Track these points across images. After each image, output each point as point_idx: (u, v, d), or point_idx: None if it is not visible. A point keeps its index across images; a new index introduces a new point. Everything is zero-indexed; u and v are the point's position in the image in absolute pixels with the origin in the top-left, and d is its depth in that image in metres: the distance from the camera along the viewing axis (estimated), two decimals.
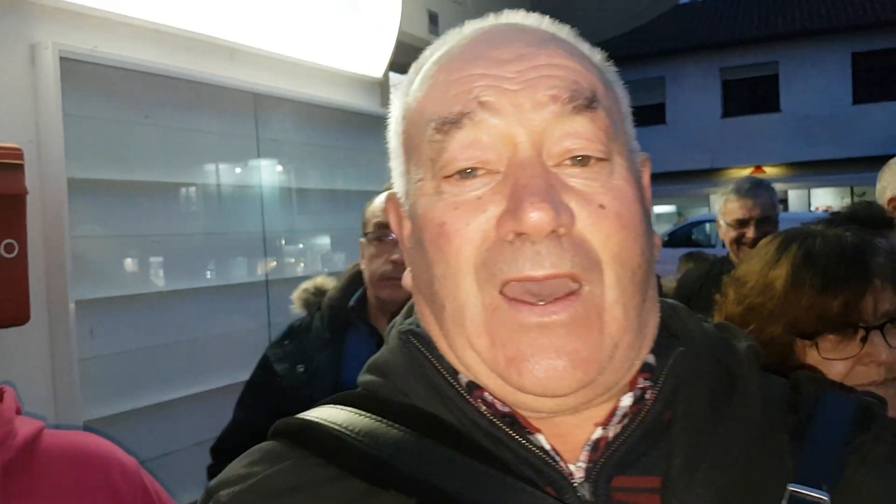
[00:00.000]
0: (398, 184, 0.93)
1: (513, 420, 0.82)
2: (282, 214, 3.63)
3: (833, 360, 1.50)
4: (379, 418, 0.84)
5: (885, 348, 1.46)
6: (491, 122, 0.79)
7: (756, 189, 3.85)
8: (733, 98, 25.55)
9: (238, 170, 3.44)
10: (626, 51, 23.63)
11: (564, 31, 0.92)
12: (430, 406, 0.86)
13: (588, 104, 0.80)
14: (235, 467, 0.87)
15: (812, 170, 24.14)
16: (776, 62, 24.78)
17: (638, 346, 0.83)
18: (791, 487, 0.80)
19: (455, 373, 0.86)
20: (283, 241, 3.70)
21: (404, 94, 0.92)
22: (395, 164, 0.93)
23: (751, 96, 25.28)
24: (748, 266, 1.65)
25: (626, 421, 0.83)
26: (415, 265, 0.89)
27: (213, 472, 2.41)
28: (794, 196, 25.92)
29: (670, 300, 0.97)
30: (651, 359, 0.87)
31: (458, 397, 0.84)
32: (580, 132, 0.80)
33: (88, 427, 2.61)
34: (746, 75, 25.24)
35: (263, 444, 0.89)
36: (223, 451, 2.44)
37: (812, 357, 1.52)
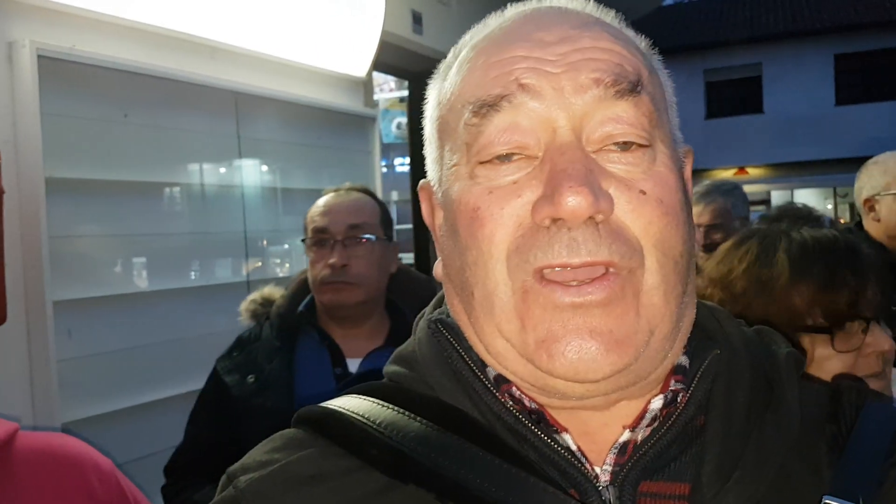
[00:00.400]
0: (431, 171, 0.91)
1: (539, 417, 0.80)
2: (264, 214, 3.61)
3: (843, 352, 1.50)
4: (402, 410, 0.82)
5: (885, 338, 1.49)
6: (531, 106, 0.77)
7: (707, 195, 3.85)
8: (717, 99, 25.67)
9: (219, 169, 3.42)
10: None
11: (609, 16, 0.89)
12: (455, 399, 0.84)
13: (632, 88, 0.78)
14: (256, 453, 0.86)
15: (795, 171, 24.29)
16: (759, 64, 24.92)
17: (673, 339, 0.80)
18: (826, 500, 0.77)
19: (483, 366, 0.84)
20: (266, 242, 3.68)
21: (441, 79, 0.90)
22: (429, 150, 0.91)
23: (734, 97, 25.40)
24: (724, 266, 1.64)
25: (655, 424, 0.80)
26: (447, 253, 0.86)
27: (166, 493, 2.35)
28: (777, 197, 26.07)
29: (711, 303, 0.95)
30: (684, 360, 0.84)
31: (485, 391, 0.82)
32: (622, 117, 0.77)
33: (66, 429, 2.58)
34: (730, 77, 25.36)
35: (286, 431, 0.88)
36: (177, 469, 2.36)
37: (820, 352, 1.52)
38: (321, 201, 2.46)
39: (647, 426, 0.80)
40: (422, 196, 0.95)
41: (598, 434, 0.81)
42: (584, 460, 0.78)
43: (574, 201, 0.71)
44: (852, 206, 27.74)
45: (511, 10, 0.89)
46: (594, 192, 0.72)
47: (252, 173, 3.56)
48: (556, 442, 0.79)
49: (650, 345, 0.76)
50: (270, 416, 1.85)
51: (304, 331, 2.43)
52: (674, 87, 0.91)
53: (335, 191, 2.49)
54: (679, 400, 0.81)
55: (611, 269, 0.74)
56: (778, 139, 24.19)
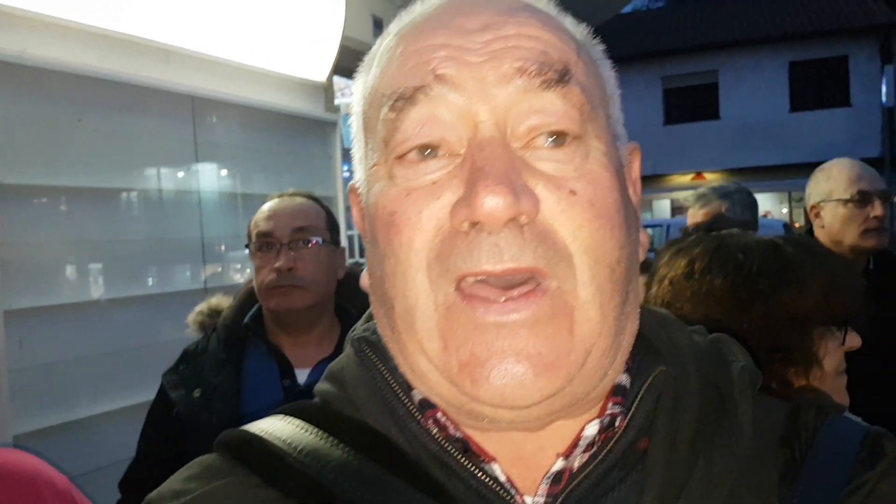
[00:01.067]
0: (357, 172, 0.84)
1: (466, 446, 0.74)
2: (222, 220, 3.57)
3: (842, 350, 1.53)
4: (325, 435, 0.77)
5: (857, 337, 1.52)
6: (449, 98, 0.71)
7: (703, 197, 3.89)
8: (675, 106, 26.04)
9: (176, 174, 3.37)
10: None
11: (542, 1, 0.82)
12: (381, 423, 0.79)
13: (560, 78, 0.72)
14: (174, 481, 0.81)
15: (751, 176, 24.68)
16: (716, 71, 25.33)
17: (613, 356, 0.74)
18: None
19: (409, 388, 0.78)
20: (224, 248, 3.63)
21: (366, 71, 0.83)
22: (356, 149, 0.84)
23: (691, 104, 25.78)
24: (678, 270, 1.62)
25: (593, 450, 0.75)
26: (369, 262, 0.80)
27: None
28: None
29: (662, 310, 0.89)
30: (625, 379, 0.79)
31: (409, 417, 0.77)
32: (549, 109, 0.71)
33: (18, 441, 2.52)
34: (687, 83, 25.74)
35: (204, 458, 0.83)
36: (129, 486, 2.32)
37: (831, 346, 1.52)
38: (265, 207, 2.41)
39: (582, 452, 0.74)
40: (351, 200, 0.88)
41: (532, 459, 0.75)
42: (513, 492, 0.73)
43: (491, 202, 0.65)
44: (807, 211, 28.37)
45: None
46: (514, 191, 0.66)
47: (210, 178, 3.51)
48: (484, 472, 0.73)
49: (586, 365, 0.70)
50: (218, 432, 1.81)
51: (252, 342, 2.37)
52: (617, 80, 0.84)
53: (279, 196, 2.46)
54: (617, 424, 0.75)
55: (540, 283, 0.68)
56: (734, 145, 24.60)
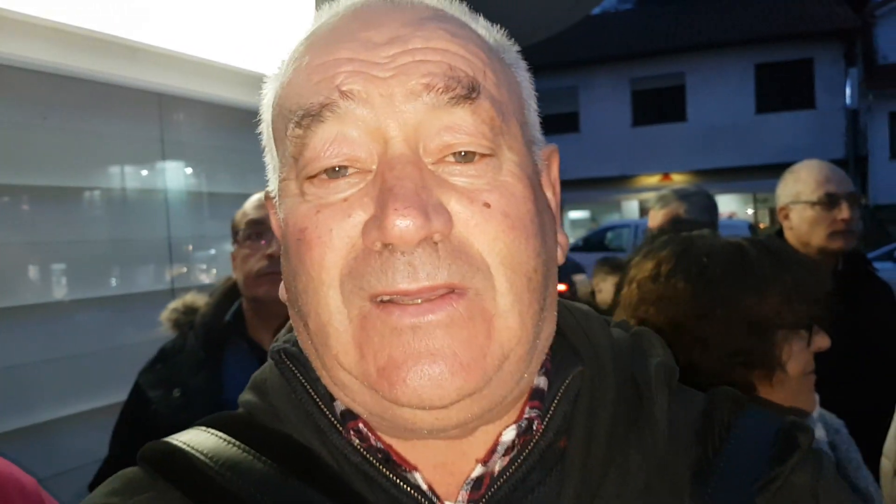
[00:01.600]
0: (271, 181, 0.84)
1: (387, 456, 0.75)
2: (189, 219, 3.53)
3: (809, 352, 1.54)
4: (247, 448, 0.77)
5: (825, 338, 1.53)
6: (357, 114, 0.70)
7: (661, 199, 3.99)
8: (642, 108, 26.26)
9: (142, 173, 3.32)
10: (540, 59, 23.96)
11: (454, 7, 0.81)
12: (304, 436, 0.79)
13: (467, 94, 0.71)
14: (96, 495, 0.80)
15: (717, 177, 24.97)
16: (683, 73, 25.59)
17: (529, 359, 0.75)
18: None
19: (331, 399, 0.78)
20: (191, 248, 3.59)
21: (277, 78, 0.82)
22: (268, 158, 0.84)
23: (659, 106, 26.01)
24: (645, 273, 1.64)
25: (513, 453, 0.76)
26: (285, 275, 0.79)
27: None
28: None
29: (584, 306, 0.89)
30: (543, 382, 0.79)
31: (331, 428, 0.77)
32: (459, 125, 0.71)
33: None
34: (655, 86, 25.97)
35: (127, 471, 0.82)
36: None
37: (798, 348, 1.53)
38: (253, 198, 2.41)
39: (502, 456, 0.75)
40: (268, 206, 0.88)
41: (453, 466, 0.76)
42: (434, 500, 0.74)
43: (402, 225, 0.65)
44: (772, 212, 28.69)
45: (343, 1, 0.81)
46: (424, 212, 0.66)
47: (176, 177, 3.47)
48: (406, 481, 0.74)
49: (503, 369, 0.71)
50: None
51: (232, 341, 2.35)
52: (531, 79, 0.84)
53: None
54: (535, 427, 0.77)
55: (455, 290, 0.69)
56: (701, 146, 24.88)
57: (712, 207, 3.92)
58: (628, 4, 36.65)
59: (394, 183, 0.68)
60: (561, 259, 0.82)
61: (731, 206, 26.97)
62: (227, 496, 0.73)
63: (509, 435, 0.76)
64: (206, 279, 3.64)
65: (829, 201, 2.95)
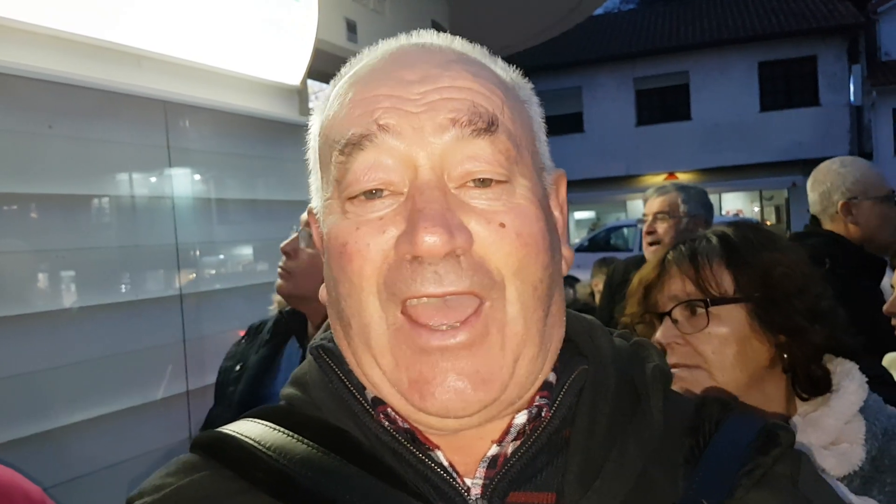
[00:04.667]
0: (315, 200, 0.95)
1: (413, 436, 0.84)
2: (196, 226, 3.54)
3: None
4: (291, 433, 0.86)
5: (662, 333, 1.63)
6: (391, 144, 0.81)
7: (662, 188, 4.09)
8: (646, 107, 26.23)
9: (149, 180, 3.34)
10: (544, 60, 24.01)
11: (476, 51, 0.93)
12: (340, 420, 0.88)
13: (487, 127, 0.82)
14: (154, 478, 0.89)
15: (722, 175, 24.94)
16: (686, 72, 25.55)
17: (541, 361, 0.86)
18: None
19: (362, 388, 0.88)
20: (198, 253, 3.60)
21: (322, 109, 0.93)
22: (313, 178, 0.95)
23: (663, 105, 25.98)
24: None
25: (524, 437, 0.85)
26: (327, 281, 0.90)
27: None
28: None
29: (589, 317, 0.99)
30: (552, 377, 0.89)
31: (364, 412, 0.87)
32: (480, 155, 0.82)
33: None
34: (658, 85, 25.93)
35: (182, 457, 0.91)
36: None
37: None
38: None
39: (513, 440, 0.85)
40: (311, 221, 0.99)
41: (471, 448, 0.86)
42: (455, 475, 0.83)
43: (430, 240, 0.76)
44: (777, 209, 28.46)
45: (381, 45, 0.93)
46: (449, 230, 0.77)
47: (183, 184, 3.48)
48: (430, 458, 0.84)
49: (516, 373, 0.82)
50: (238, 406, 1.94)
51: (298, 334, 2.48)
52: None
53: None
54: (543, 414, 0.86)
55: (476, 307, 0.79)
56: (705, 145, 24.83)
57: (710, 205, 4.03)
58: (631, 4, 36.67)
59: (423, 205, 0.79)
60: (565, 271, 0.94)
61: (737, 204, 26.95)
62: (274, 472, 0.82)
63: (521, 419, 0.85)
64: (215, 285, 3.66)
65: (893, 198, 3.05)
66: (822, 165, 3.26)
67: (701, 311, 1.59)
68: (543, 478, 0.84)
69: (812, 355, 1.58)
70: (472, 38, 0.98)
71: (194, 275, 3.56)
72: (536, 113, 0.95)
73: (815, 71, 24.50)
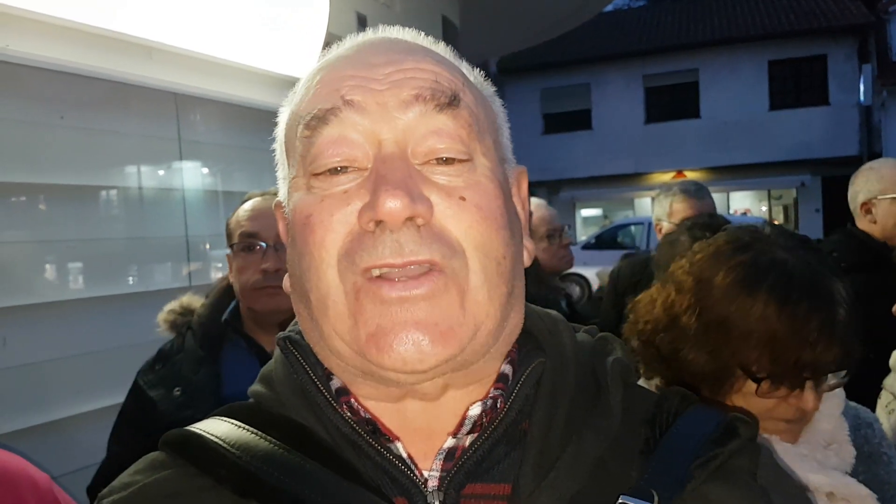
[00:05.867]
0: (281, 190, 0.97)
1: (374, 427, 0.86)
2: (206, 218, 3.54)
3: (769, 398, 1.45)
4: (255, 430, 0.88)
5: (812, 397, 1.45)
6: (356, 120, 0.83)
7: (701, 191, 4.09)
8: (655, 104, 26.16)
9: (159, 172, 3.34)
10: (553, 57, 23.98)
11: (440, 47, 0.97)
12: (302, 416, 0.90)
13: (450, 101, 0.85)
14: (124, 475, 0.92)
15: (730, 174, 24.88)
16: (696, 70, 25.48)
17: (497, 335, 0.86)
18: (621, 499, 0.83)
19: (327, 378, 0.90)
20: (208, 246, 3.61)
21: (289, 104, 0.96)
22: (280, 172, 0.97)
23: (672, 103, 25.91)
24: (696, 272, 1.54)
25: (480, 430, 0.87)
26: (290, 264, 0.92)
27: None
28: (714, 199, 26.68)
29: (553, 312, 1.00)
30: (508, 369, 0.91)
31: (326, 404, 0.88)
32: (442, 129, 0.84)
33: (0, 442, 2.49)
34: (668, 82, 25.87)
35: (150, 455, 0.93)
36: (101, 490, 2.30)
37: (747, 388, 1.47)
38: (247, 206, 2.37)
39: (468, 432, 0.86)
40: (277, 214, 1.01)
41: (430, 440, 0.87)
42: (413, 467, 0.85)
43: (391, 203, 0.77)
44: (786, 208, 28.38)
45: (350, 40, 0.96)
46: (411, 195, 0.79)
47: (193, 176, 3.49)
48: (389, 451, 0.85)
49: (475, 339, 0.82)
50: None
51: (230, 339, 2.35)
52: (506, 112, 0.99)
53: (262, 194, 2.41)
54: (499, 406, 0.87)
55: (435, 268, 0.80)
56: (714, 143, 24.76)
57: (711, 206, 4.08)
58: (641, 1, 36.54)
59: (385, 172, 0.81)
60: (527, 262, 0.95)
61: (745, 203, 26.87)
62: (237, 469, 0.84)
63: (476, 410, 0.87)
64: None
65: None
66: (862, 167, 3.41)
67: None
68: (500, 470, 0.86)
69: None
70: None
71: (203, 267, 3.56)
72: (501, 111, 0.98)
73: (825, 70, 24.41)
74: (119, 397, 2.88)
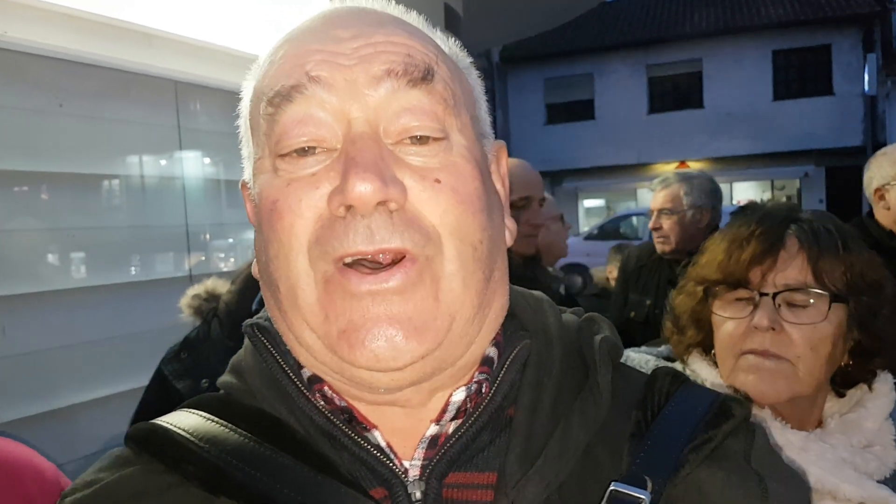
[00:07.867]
0: (247, 169, 0.92)
1: (350, 415, 0.82)
2: (207, 207, 3.54)
3: (725, 318, 1.53)
4: (224, 423, 0.83)
5: (767, 316, 1.46)
6: (323, 98, 0.78)
7: (664, 181, 4.08)
8: (658, 94, 26.10)
9: (159, 161, 3.33)
10: (556, 46, 23.91)
11: (411, 17, 0.91)
12: (273, 407, 0.86)
13: (424, 76, 0.80)
14: (87, 473, 0.87)
15: (734, 164, 24.83)
16: (700, 60, 25.40)
17: (479, 324, 0.82)
18: (612, 486, 0.79)
19: (298, 367, 0.85)
20: (209, 235, 3.60)
21: (255, 76, 0.91)
22: (244, 149, 0.92)
23: (675, 93, 25.85)
24: None
25: (465, 416, 0.82)
26: (257, 249, 0.87)
27: None
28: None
29: (538, 293, 0.97)
30: (493, 351, 0.87)
31: (298, 393, 0.84)
32: (416, 106, 0.79)
33: (2, 430, 2.49)
34: (671, 72, 25.80)
35: (115, 450, 0.88)
36: None
37: (716, 309, 1.56)
38: None
39: (452, 419, 0.82)
40: (244, 195, 0.95)
41: (410, 428, 0.83)
42: (392, 456, 0.81)
43: (361, 187, 0.73)
44: (789, 199, 28.37)
45: (315, 12, 0.91)
46: (382, 178, 0.74)
47: (194, 165, 3.48)
48: (366, 440, 0.81)
49: (452, 330, 0.78)
50: None
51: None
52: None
53: None
54: (484, 391, 0.84)
55: (407, 256, 0.75)
56: (718, 133, 24.71)
57: (714, 192, 3.98)
58: None
59: (356, 154, 0.76)
60: (509, 242, 0.91)
61: (749, 193, 26.81)
62: (205, 465, 0.79)
63: (459, 395, 0.83)
64: (223, 266, 3.65)
65: None
66: (876, 153, 3.41)
67: (814, 303, 1.47)
68: (485, 457, 0.82)
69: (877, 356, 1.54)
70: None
71: (204, 256, 3.56)
72: (477, 83, 0.93)
73: (830, 60, 24.32)
74: (122, 385, 2.88)
